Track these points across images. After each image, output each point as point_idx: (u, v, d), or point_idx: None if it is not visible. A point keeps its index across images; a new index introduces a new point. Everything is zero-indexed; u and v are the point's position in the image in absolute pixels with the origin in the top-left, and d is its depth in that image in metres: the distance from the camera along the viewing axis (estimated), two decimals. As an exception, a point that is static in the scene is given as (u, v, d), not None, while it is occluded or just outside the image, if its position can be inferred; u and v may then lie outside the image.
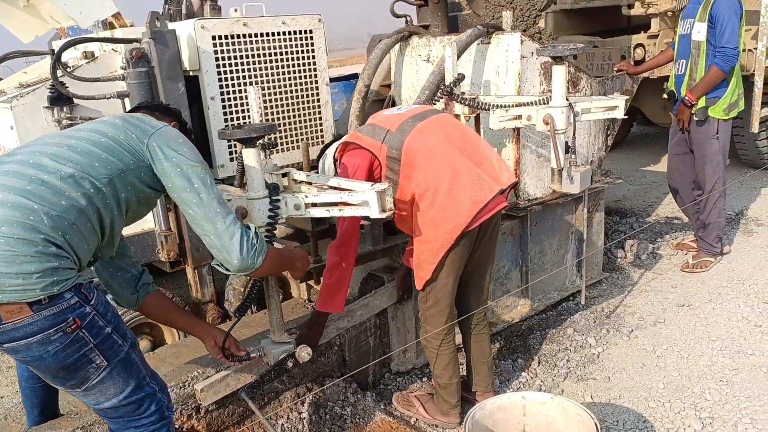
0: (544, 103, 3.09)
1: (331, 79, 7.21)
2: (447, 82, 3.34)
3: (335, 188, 2.54)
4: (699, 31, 4.04)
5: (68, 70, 3.23)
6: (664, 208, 5.75)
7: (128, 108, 3.30)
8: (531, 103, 3.08)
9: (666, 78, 5.04)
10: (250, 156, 2.38)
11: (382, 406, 3.12)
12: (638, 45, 5.74)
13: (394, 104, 4.49)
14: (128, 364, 2.02)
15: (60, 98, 3.18)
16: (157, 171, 2.03)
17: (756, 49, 5.01)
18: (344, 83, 7.10)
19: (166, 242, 3.47)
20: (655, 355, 3.45)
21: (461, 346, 3.06)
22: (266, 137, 2.78)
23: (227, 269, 2.12)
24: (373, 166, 2.67)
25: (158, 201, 3.38)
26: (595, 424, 2.17)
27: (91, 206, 1.92)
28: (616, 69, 4.54)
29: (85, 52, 3.44)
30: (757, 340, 3.47)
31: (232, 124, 3.56)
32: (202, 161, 2.08)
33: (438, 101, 3.40)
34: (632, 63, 5.66)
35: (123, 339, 2.00)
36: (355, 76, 6.87)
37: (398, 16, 4.52)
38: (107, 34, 3.60)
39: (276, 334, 2.59)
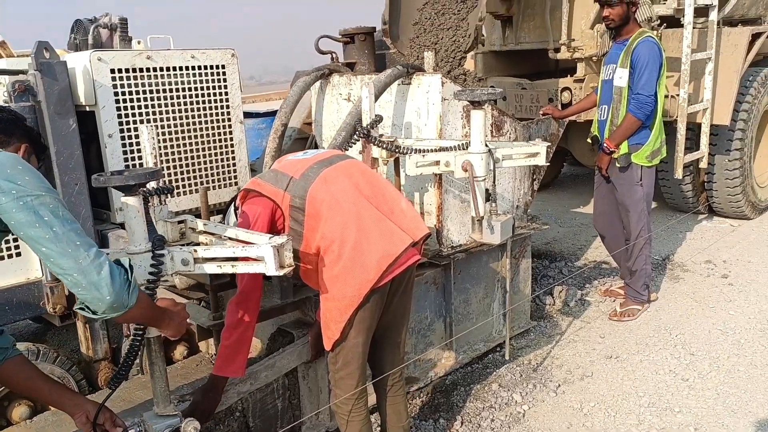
0: (464, 149, 2.94)
1: (263, 114, 6.99)
2: (364, 124, 3.16)
3: (233, 239, 2.31)
4: (621, 77, 4.03)
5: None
6: (593, 251, 5.71)
7: (10, 145, 2.97)
8: (449, 148, 2.93)
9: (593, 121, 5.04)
10: (130, 205, 2.11)
11: (289, 478, 2.83)
12: (565, 88, 5.77)
13: (316, 145, 4.29)
14: None
15: (-72, 134, 2.82)
16: None
17: (678, 95, 5.09)
18: (273, 118, 6.87)
19: (52, 294, 3.11)
20: (582, 413, 3.29)
21: (376, 406, 2.82)
22: (158, 182, 2.53)
23: (94, 311, 1.78)
24: (275, 216, 2.44)
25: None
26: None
27: None
28: (541, 113, 4.48)
29: (-36, 83, 3.11)
30: (684, 395, 3.36)
31: (132, 164, 3.28)
32: (49, 189, 1.74)
33: (355, 143, 3.21)
34: (560, 106, 5.67)
35: None
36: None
37: (323, 53, 4.34)
38: (-9, 63, 3.28)
39: (160, 406, 2.28)
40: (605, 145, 4.12)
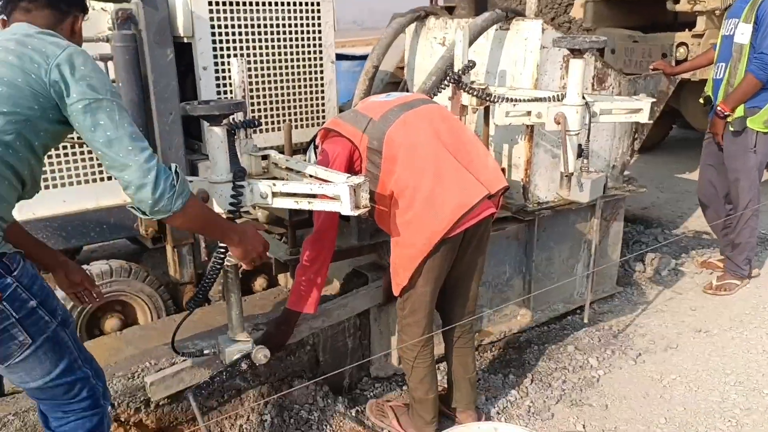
0: (558, 100, 2.79)
1: (359, 57, 6.95)
2: (456, 69, 3.05)
3: (313, 177, 2.32)
4: (743, 33, 3.65)
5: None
6: (695, 221, 5.36)
7: (112, 72, 3.10)
8: (543, 98, 2.78)
9: (708, 81, 4.65)
10: (214, 135, 2.15)
11: (354, 414, 2.90)
12: (681, 43, 5.34)
13: (407, 90, 4.21)
14: (57, 343, 1.82)
15: (40, 57, 2.98)
16: (62, 107, 1.75)
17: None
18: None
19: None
20: (662, 385, 3.14)
21: (442, 357, 2.81)
22: (246, 115, 2.56)
23: (143, 211, 1.83)
24: (353, 157, 2.42)
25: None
26: (570, 471, 1.90)
27: (4, 165, 1.71)
28: (651, 67, 4.17)
29: (77, 9, 3.23)
30: (776, 378, 3.14)
31: (225, 97, 3.35)
32: (109, 89, 1.78)
33: (444, 89, 3.12)
34: (673, 62, 5.27)
35: (51, 315, 1.80)
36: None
37: (425, -5, 4.23)
38: (98, -8, 3.39)
39: (234, 331, 2.37)
40: (719, 108, 3.79)
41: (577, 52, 2.68)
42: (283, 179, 2.54)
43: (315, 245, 2.45)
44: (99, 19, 3.18)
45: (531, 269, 3.57)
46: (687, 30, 5.42)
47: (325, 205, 2.13)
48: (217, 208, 2.18)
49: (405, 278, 2.37)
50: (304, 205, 2.17)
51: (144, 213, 1.83)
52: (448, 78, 3.03)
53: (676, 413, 2.93)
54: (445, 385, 2.87)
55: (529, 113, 2.83)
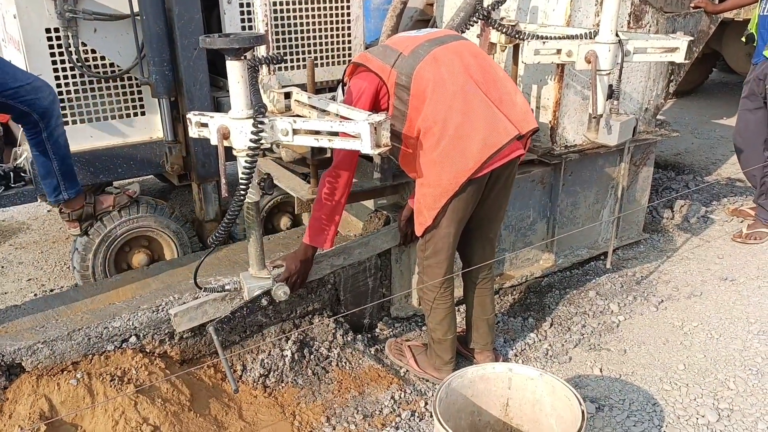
0: (590, 38, 2.68)
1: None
2: (485, 4, 2.95)
3: (335, 115, 2.29)
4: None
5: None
6: (728, 167, 5.22)
7: (136, 6, 3.06)
8: (574, 36, 2.68)
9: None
10: (234, 70, 2.12)
11: (373, 352, 2.95)
12: (727, -20, 5.05)
13: (436, 27, 4.10)
14: None
15: (63, -12, 2.96)
16: None
17: None
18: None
19: (171, 154, 3.30)
20: (682, 332, 3.13)
21: (462, 299, 2.83)
22: (269, 50, 2.52)
23: None
24: (380, 93, 2.37)
25: (164, 108, 3.21)
26: (582, 411, 1.92)
27: None
28: (692, 5, 3.97)
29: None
30: (801, 329, 3.10)
31: (249, 32, 3.30)
32: None
33: (473, 25, 3.02)
34: (717, 0, 5.01)
35: None
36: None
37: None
38: None
39: (255, 268, 2.41)
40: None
41: (612, -13, 2.55)
42: (305, 117, 2.52)
43: (332, 180, 2.41)
44: (121, -49, 3.12)
45: (555, 213, 3.53)
46: (733, -35, 5.13)
47: (345, 144, 2.11)
48: (237, 145, 2.17)
49: (429, 218, 2.36)
50: (324, 142, 2.15)
51: None
52: (477, 14, 2.93)
53: (695, 360, 2.92)
54: (464, 327, 2.89)
55: (559, 51, 2.74)
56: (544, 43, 2.71)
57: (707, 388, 2.74)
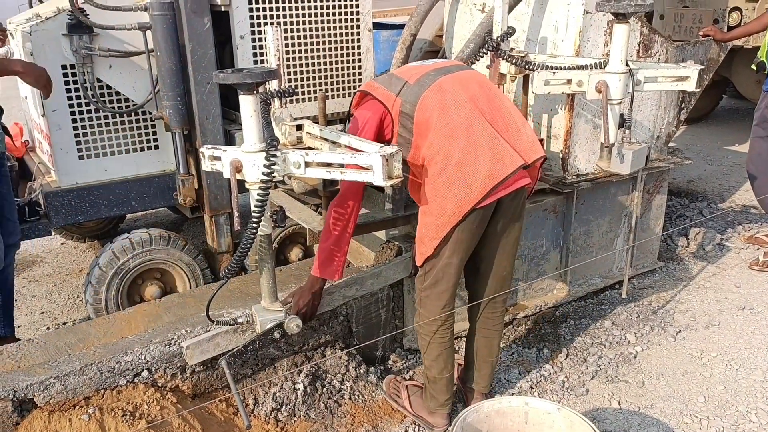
0: (600, 68, 2.69)
1: (398, 25, 6.86)
2: (495, 36, 2.97)
3: (346, 146, 2.30)
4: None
5: (90, -4, 3.07)
6: (742, 194, 5.18)
7: (151, 43, 3.12)
8: (584, 66, 2.69)
9: (761, 48, 4.43)
10: (247, 104, 2.14)
11: (386, 385, 2.91)
12: (735, 8, 5.11)
13: (445, 58, 4.14)
14: None
15: (79, 26, 3.02)
16: None
17: None
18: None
19: (183, 186, 3.32)
20: (701, 363, 3.07)
21: (462, 335, 2.75)
22: (280, 84, 2.55)
23: None
24: (384, 122, 2.37)
25: (178, 141, 3.24)
26: (602, 448, 1.88)
27: None
28: (701, 34, 3.99)
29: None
30: (823, 359, 3.03)
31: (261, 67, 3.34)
32: None
33: (483, 56, 3.04)
34: (725, 28, 5.04)
35: None
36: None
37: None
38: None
39: (267, 301, 2.40)
40: None
41: (621, 17, 2.57)
42: (317, 149, 2.53)
43: (339, 209, 2.39)
44: (137, -12, 3.19)
45: (569, 242, 3.51)
46: (741, -6, 5.18)
47: (357, 176, 2.11)
48: (250, 178, 2.18)
49: (431, 248, 2.33)
50: (336, 174, 2.15)
51: None
52: (486, 45, 2.96)
53: (715, 392, 2.86)
54: (463, 362, 2.80)
55: (569, 81, 2.74)
56: (554, 73, 2.73)
57: (728, 421, 2.68)
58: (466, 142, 2.22)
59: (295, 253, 3.72)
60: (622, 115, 2.74)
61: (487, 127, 2.26)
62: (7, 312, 3.00)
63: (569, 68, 2.78)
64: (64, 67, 3.10)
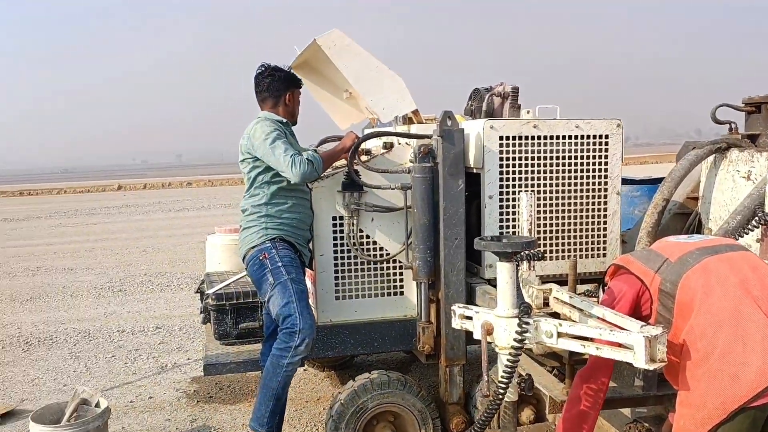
0: None
1: (638, 181, 6.72)
2: (767, 209, 2.76)
3: (600, 319, 2.24)
4: None
5: (364, 159, 3.50)
6: None
7: (409, 200, 3.42)
8: None
9: None
10: (504, 271, 2.22)
11: None
12: None
13: (700, 223, 3.90)
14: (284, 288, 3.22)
15: (352, 185, 3.44)
16: None
17: None
18: (649, 187, 6.49)
19: (424, 334, 3.45)
20: None
21: None
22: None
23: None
24: (641, 298, 2.27)
25: (423, 290, 3.42)
26: None
27: None
28: None
29: (385, 142, 3.68)
30: None
31: (506, 225, 3.46)
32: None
33: (752, 231, 2.82)
34: None
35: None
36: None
37: (720, 123, 3.96)
38: (405, 128, 3.83)
39: (504, 470, 2.32)
40: None
41: None
42: (564, 315, 2.49)
43: (586, 381, 2.30)
44: (405, 152, 3.57)
45: None
46: None
47: (615, 354, 2.03)
48: (500, 342, 2.21)
49: (691, 443, 2.09)
50: (591, 350, 2.09)
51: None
52: (757, 218, 2.74)
53: None
54: None
55: None
56: None
57: None
58: (733, 330, 2.03)
59: (527, 414, 3.58)
60: None
61: (760, 315, 2.04)
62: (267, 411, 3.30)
63: None
64: (334, 218, 3.52)
